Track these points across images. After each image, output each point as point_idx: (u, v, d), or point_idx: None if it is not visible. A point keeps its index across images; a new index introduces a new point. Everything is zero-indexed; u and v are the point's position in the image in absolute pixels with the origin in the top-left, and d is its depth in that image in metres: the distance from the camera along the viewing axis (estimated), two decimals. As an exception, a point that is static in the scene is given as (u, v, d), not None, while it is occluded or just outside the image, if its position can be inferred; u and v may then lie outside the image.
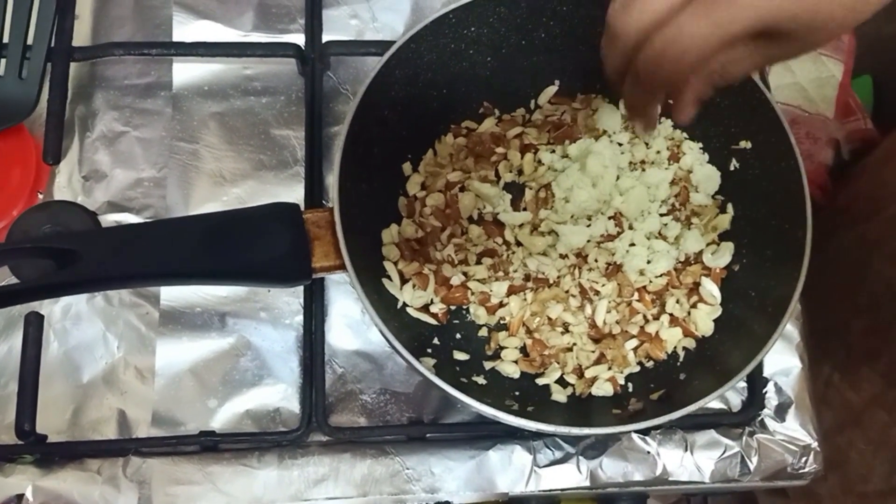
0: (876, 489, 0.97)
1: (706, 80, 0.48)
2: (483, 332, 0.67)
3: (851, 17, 0.43)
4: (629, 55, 0.46)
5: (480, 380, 0.64)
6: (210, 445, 0.65)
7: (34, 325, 0.64)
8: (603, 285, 0.66)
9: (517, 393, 0.63)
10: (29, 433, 0.62)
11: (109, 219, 0.70)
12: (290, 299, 0.69)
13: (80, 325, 0.68)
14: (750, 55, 0.46)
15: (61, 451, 0.64)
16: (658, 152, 0.70)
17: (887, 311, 0.97)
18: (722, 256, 0.67)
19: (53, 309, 0.67)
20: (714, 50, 0.44)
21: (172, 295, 0.68)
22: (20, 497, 0.62)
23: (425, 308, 0.66)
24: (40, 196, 0.71)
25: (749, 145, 0.67)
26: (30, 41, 0.70)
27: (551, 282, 0.67)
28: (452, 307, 0.67)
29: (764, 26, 0.43)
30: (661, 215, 0.69)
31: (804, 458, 0.68)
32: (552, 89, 0.73)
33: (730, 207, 0.69)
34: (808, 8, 0.42)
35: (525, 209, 0.69)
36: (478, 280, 0.67)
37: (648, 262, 0.67)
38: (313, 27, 0.75)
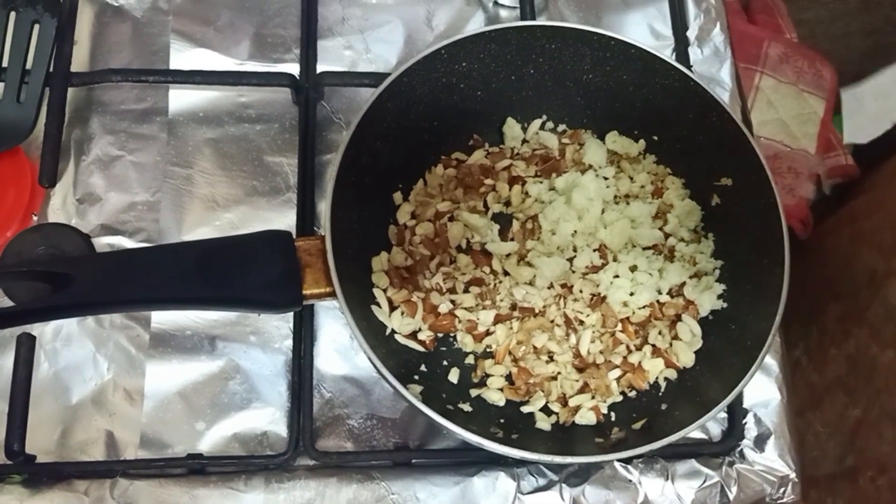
0: (827, 472, 1.00)
1: None
2: (470, 360, 0.68)
3: None
4: None
5: (466, 407, 0.65)
6: (197, 468, 0.65)
7: (26, 346, 0.64)
8: (587, 315, 0.68)
9: (502, 420, 0.64)
10: (18, 453, 0.62)
11: (103, 241, 0.71)
12: (279, 324, 0.70)
13: (71, 346, 0.68)
14: None
15: (49, 472, 0.64)
16: (642, 187, 0.72)
17: (864, 296, 1.01)
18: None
19: (44, 330, 0.68)
20: None
21: (163, 318, 0.69)
22: (7, 517, 0.62)
23: (413, 335, 0.67)
24: (34, 218, 0.71)
25: (730, 182, 0.69)
26: (29, 66, 0.71)
27: (537, 311, 0.68)
28: (440, 335, 0.68)
29: None
30: (645, 248, 0.70)
31: (782, 489, 0.69)
32: (540, 123, 0.74)
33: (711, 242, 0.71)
34: None
35: (512, 239, 0.71)
36: (465, 308, 0.68)
37: (632, 293, 0.68)
38: (308, 57, 0.77)
